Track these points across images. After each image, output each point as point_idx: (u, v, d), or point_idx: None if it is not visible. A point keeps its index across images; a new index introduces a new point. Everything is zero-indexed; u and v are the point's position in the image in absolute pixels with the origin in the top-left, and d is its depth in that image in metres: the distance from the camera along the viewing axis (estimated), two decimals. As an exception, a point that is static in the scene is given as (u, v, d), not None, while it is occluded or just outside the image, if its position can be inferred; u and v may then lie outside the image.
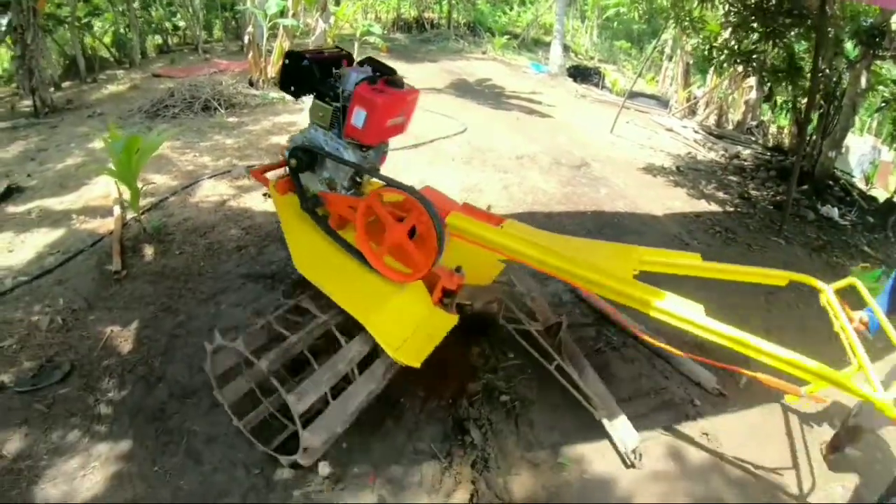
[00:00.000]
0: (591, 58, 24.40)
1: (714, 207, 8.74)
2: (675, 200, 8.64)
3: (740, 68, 10.65)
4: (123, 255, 5.53)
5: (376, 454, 3.56)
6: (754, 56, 9.15)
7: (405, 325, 3.37)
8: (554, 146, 10.17)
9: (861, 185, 13.04)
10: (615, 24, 24.99)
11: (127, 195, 6.37)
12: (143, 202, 6.26)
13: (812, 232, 8.71)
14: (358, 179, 3.70)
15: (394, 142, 8.23)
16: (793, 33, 9.07)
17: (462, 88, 14.14)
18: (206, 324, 4.63)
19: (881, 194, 12.16)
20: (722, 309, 3.38)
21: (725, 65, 10.06)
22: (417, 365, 3.25)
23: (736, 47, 9.33)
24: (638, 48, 26.81)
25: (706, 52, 9.82)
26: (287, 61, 3.44)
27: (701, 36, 10.40)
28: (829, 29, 8.86)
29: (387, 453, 3.56)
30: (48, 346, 4.46)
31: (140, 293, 5.05)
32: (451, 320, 3.58)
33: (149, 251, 5.70)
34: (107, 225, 6.16)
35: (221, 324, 4.61)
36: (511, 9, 27.92)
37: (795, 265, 7.35)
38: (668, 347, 3.94)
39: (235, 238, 5.91)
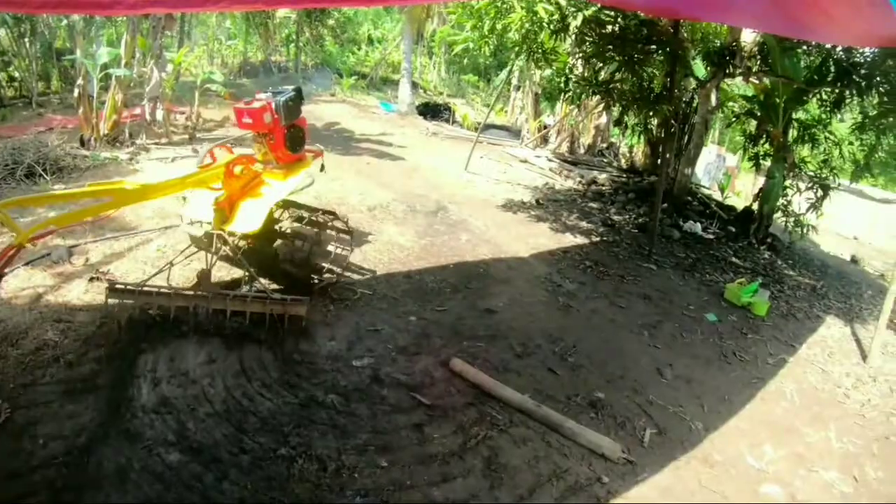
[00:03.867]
0: (441, 93, 24.84)
1: (580, 240, 8.60)
2: (540, 237, 8.40)
3: (596, 98, 10.82)
4: None
5: None
6: (611, 85, 9.21)
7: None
8: (408, 191, 9.71)
9: (717, 195, 13.67)
10: (462, 59, 25.67)
11: None
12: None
13: (680, 251, 8.78)
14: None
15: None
16: (652, 60, 9.24)
17: (309, 135, 13.45)
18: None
19: (737, 202, 12.76)
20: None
21: (584, 95, 10.09)
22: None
23: (593, 78, 9.36)
24: (485, 81, 27.56)
25: (562, 85, 9.80)
26: None
27: (554, 68, 10.41)
28: (686, 51, 9.14)
29: None
30: None
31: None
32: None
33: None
34: None
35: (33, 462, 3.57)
36: (359, 48, 28.05)
37: (673, 290, 7.27)
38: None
39: (52, 345, 4.77)
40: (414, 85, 20.69)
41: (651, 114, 9.41)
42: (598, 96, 10.14)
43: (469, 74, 27.57)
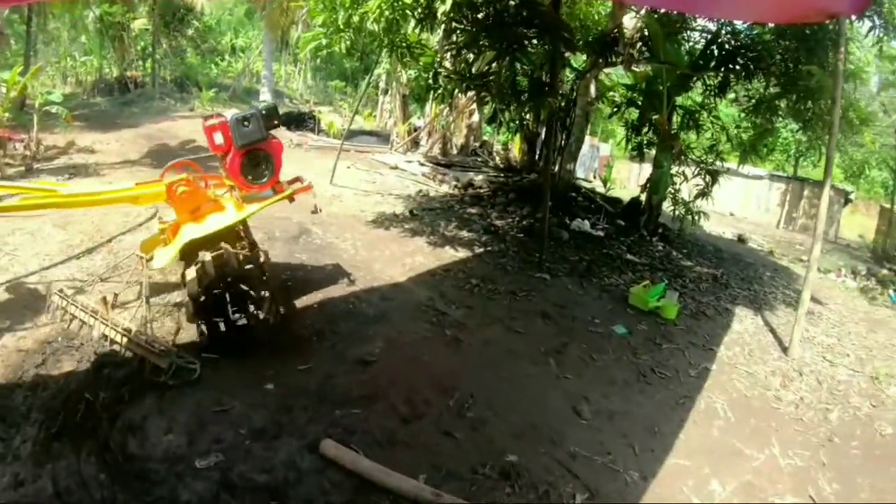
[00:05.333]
0: (307, 101, 23.81)
1: (462, 253, 7.74)
2: (417, 255, 7.47)
3: (469, 95, 10.04)
4: None
5: None
6: (488, 79, 8.33)
7: None
8: (266, 214, 8.40)
9: (599, 187, 13.38)
10: (328, 65, 24.93)
11: None
12: None
13: (572, 253, 8.13)
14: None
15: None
16: (531, 46, 8.47)
17: (162, 156, 11.83)
18: None
19: (621, 193, 12.47)
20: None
21: (457, 91, 9.15)
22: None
23: (465, 72, 8.45)
24: (353, 86, 26.80)
25: (430, 81, 8.82)
26: None
27: (421, 63, 9.43)
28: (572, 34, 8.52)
29: None
30: None
31: None
32: None
33: None
34: None
35: None
36: (222, 59, 26.72)
37: (573, 302, 6.56)
38: None
39: None
40: (278, 94, 19.87)
41: (530, 108, 8.70)
42: (471, 91, 9.28)
43: (336, 80, 26.81)
